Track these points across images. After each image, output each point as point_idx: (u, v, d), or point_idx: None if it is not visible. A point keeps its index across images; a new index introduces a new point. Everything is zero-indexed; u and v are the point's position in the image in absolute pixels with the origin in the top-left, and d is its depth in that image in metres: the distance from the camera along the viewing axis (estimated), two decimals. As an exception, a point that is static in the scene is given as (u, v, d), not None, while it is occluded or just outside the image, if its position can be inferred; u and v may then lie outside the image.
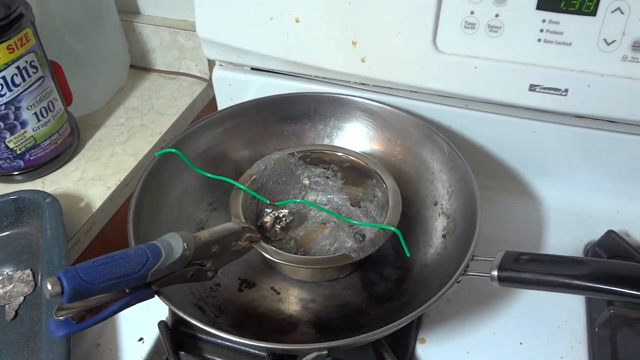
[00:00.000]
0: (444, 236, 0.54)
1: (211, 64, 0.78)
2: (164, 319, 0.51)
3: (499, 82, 0.56)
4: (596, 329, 0.50)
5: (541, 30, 0.52)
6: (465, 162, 0.54)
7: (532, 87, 0.55)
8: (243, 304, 0.52)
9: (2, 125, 0.59)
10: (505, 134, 0.62)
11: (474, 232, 0.47)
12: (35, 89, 0.60)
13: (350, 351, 0.47)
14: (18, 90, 0.58)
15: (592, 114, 0.56)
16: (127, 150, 0.69)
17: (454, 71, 0.56)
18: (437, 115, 0.63)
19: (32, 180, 0.65)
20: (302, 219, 0.59)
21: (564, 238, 0.60)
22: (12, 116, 0.59)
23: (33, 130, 0.61)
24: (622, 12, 0.49)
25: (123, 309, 0.40)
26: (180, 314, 0.42)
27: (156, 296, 0.42)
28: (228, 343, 0.48)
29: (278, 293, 0.53)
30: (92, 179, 0.65)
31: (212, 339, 0.49)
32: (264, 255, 0.51)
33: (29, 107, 0.60)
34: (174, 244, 0.42)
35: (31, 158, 0.63)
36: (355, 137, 0.63)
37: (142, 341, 0.52)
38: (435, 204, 0.57)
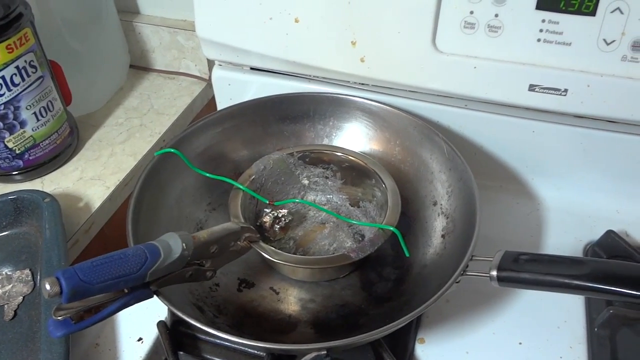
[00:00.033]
0: (443, 236, 0.54)
1: (210, 63, 0.77)
2: (163, 319, 0.51)
3: (499, 82, 0.56)
4: (595, 329, 0.50)
5: (541, 30, 0.52)
6: (464, 162, 0.54)
7: (532, 87, 0.55)
8: (242, 304, 0.52)
9: (1, 125, 0.59)
10: (504, 134, 0.62)
11: (473, 232, 0.47)
12: (35, 89, 0.60)
13: (349, 351, 0.47)
14: (17, 90, 0.58)
15: (592, 114, 0.56)
16: (127, 150, 0.69)
17: (454, 71, 0.56)
18: (437, 115, 0.63)
19: (31, 180, 0.65)
20: (301, 219, 0.59)
21: (564, 238, 0.60)
22: (11, 116, 0.59)
23: (32, 130, 0.61)
24: (621, 12, 0.49)
25: (122, 309, 0.40)
26: (179, 314, 0.42)
27: (155, 296, 0.42)
28: (227, 343, 0.48)
29: (277, 293, 0.53)
30: (91, 178, 0.65)
31: (211, 339, 0.49)
32: (263, 255, 0.51)
33: (28, 107, 0.60)
34: (173, 244, 0.42)
35: (30, 158, 0.63)
36: (354, 137, 0.63)
37: (141, 341, 0.52)
38: (435, 204, 0.57)
